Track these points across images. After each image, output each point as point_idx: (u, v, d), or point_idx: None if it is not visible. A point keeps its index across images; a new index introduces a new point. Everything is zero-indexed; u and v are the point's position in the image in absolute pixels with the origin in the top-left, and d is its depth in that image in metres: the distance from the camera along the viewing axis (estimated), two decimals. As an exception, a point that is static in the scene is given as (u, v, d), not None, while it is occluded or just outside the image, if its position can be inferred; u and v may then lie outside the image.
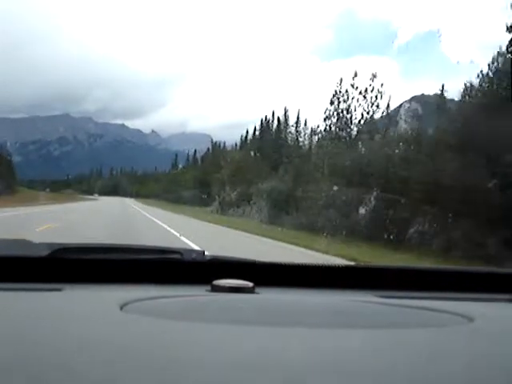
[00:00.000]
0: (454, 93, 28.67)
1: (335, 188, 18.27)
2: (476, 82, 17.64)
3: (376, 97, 23.88)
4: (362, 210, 17.31)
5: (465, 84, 18.59)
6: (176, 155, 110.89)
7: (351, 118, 24.55)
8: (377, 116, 24.14)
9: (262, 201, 27.01)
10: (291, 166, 28.31)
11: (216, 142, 76.66)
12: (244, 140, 58.89)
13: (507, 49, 15.42)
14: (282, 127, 47.24)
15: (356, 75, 24.24)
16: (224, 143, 71.37)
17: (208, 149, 78.90)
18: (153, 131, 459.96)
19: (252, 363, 0.59)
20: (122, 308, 0.85)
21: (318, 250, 11.82)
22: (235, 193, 34.17)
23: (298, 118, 45.79)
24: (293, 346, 0.68)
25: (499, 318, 0.97)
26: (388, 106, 24.46)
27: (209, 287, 1.13)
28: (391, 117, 24.43)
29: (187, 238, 13.81)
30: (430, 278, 1.37)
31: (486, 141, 12.77)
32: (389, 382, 0.56)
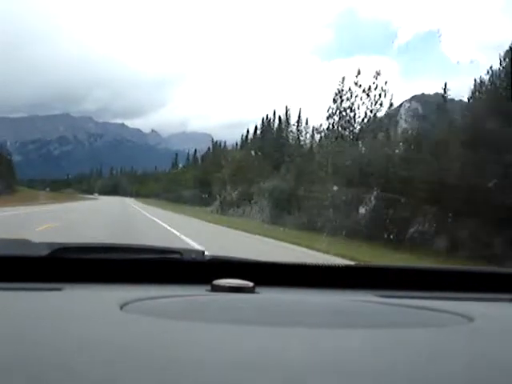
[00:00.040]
0: (454, 93, 28.64)
1: (335, 188, 18.25)
2: (486, 78, 17.66)
3: (380, 95, 23.77)
4: (362, 210, 17.30)
5: (475, 80, 18.54)
6: (176, 155, 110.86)
7: (354, 116, 24.44)
8: (380, 114, 24.05)
9: (263, 200, 26.82)
10: (293, 166, 28.13)
11: (217, 142, 76.62)
12: (245, 139, 58.84)
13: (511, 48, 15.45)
14: (283, 126, 47.15)
15: (359, 73, 24.12)
16: (225, 142, 71.36)
17: (208, 148, 78.81)
18: (153, 131, 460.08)
19: (252, 363, 0.59)
20: (122, 308, 0.85)
21: (319, 250, 11.79)
22: (236, 192, 33.96)
23: (299, 116, 45.74)
24: (293, 345, 0.68)
25: (499, 317, 0.97)
26: (391, 104, 24.40)
27: (209, 287, 1.13)
28: (391, 116, 24.39)
29: (188, 237, 13.82)
30: (430, 278, 1.37)
31: (494, 139, 12.77)
32: (389, 381, 0.56)
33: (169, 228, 18.83)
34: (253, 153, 43.35)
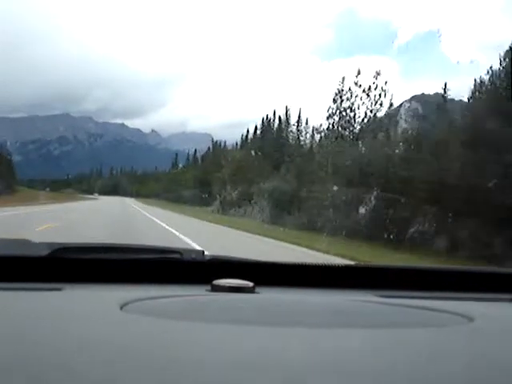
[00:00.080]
0: (454, 93, 28.62)
1: (335, 188, 18.20)
2: (486, 78, 17.64)
3: (380, 95, 23.70)
4: (362, 210, 17.29)
5: (475, 80, 18.51)
6: (176, 155, 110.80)
7: (354, 116, 24.36)
8: (380, 114, 23.96)
9: (263, 200, 26.69)
10: (293, 166, 28.00)
11: (217, 142, 76.54)
12: (245, 139, 58.79)
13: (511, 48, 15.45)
14: (283, 126, 47.08)
15: (359, 73, 24.04)
16: (225, 142, 71.31)
17: (208, 148, 78.70)
18: (153, 131, 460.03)
19: (252, 363, 0.59)
20: (122, 308, 0.85)
21: (319, 250, 11.78)
22: (236, 192, 33.81)
23: (299, 116, 45.67)
24: (293, 345, 0.68)
25: (499, 317, 0.97)
26: (391, 104, 24.33)
27: (209, 287, 1.13)
28: (391, 116, 24.36)
29: (187, 237, 13.82)
30: (430, 278, 1.37)
31: (494, 139, 12.76)
32: (389, 381, 0.56)
33: (169, 228, 18.82)
34: (253, 153, 43.30)
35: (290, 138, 45.30)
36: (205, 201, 42.78)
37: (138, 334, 0.71)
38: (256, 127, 54.87)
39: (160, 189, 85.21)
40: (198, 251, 1.40)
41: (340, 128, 24.64)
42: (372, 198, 16.60)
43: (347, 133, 24.23)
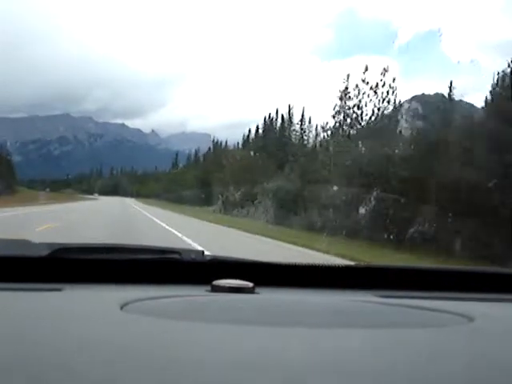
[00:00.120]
0: (454, 92, 28.52)
1: (335, 188, 18.11)
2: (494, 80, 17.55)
3: (387, 92, 23.25)
4: (362, 210, 17.26)
5: (492, 86, 18.32)
6: (176, 155, 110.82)
7: (361, 114, 24.00)
8: (386, 112, 23.50)
9: (267, 200, 26.29)
10: (297, 165, 27.53)
11: (218, 141, 76.46)
12: (246, 139, 58.64)
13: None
14: (286, 125, 46.80)
15: (367, 69, 23.54)
16: (226, 142, 71.30)
17: (209, 148, 78.56)
18: (153, 131, 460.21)
19: (252, 363, 0.59)
20: (122, 308, 0.85)
21: (328, 252, 11.43)
22: (239, 192, 33.46)
23: (302, 115, 45.47)
24: (293, 345, 0.68)
25: (500, 317, 0.97)
26: (399, 102, 23.93)
27: (209, 287, 1.13)
28: (391, 117, 24.23)
29: (189, 238, 13.81)
30: (430, 278, 1.37)
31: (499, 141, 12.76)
32: (389, 381, 0.56)
33: (169, 228, 18.81)
34: (252, 153, 43.13)
35: (293, 137, 45.11)
36: (206, 201, 42.68)
37: (138, 334, 0.71)
38: (258, 126, 54.79)
39: (160, 189, 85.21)
40: (197, 251, 1.39)
41: (345, 126, 24.26)
42: (372, 199, 16.58)
43: (354, 131, 23.72)
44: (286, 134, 45.82)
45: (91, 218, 23.71)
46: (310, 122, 44.27)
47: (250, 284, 1.14)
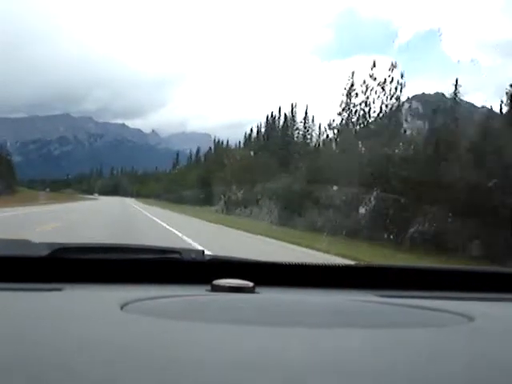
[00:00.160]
0: (459, 90, 28.38)
1: (341, 188, 17.95)
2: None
3: (396, 88, 22.86)
4: (362, 210, 17.22)
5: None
6: (177, 154, 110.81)
7: (369, 111, 23.65)
8: (393, 110, 23.10)
9: (270, 200, 25.92)
10: (301, 164, 27.10)
11: (219, 141, 76.31)
12: (248, 138, 58.42)
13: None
14: (288, 124, 46.48)
15: (375, 65, 23.05)
16: (227, 141, 71.22)
17: (210, 148, 78.43)
18: (153, 131, 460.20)
19: (252, 363, 0.59)
20: (122, 308, 0.85)
21: (337, 254, 11.28)
22: (241, 192, 33.13)
23: (306, 113, 45.20)
24: (293, 346, 0.68)
25: (500, 317, 0.97)
26: (408, 98, 23.57)
27: (209, 287, 1.13)
28: (391, 116, 24.13)
29: (189, 237, 13.80)
30: (430, 278, 1.37)
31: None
32: (389, 381, 0.56)
33: (170, 229, 18.79)
34: (258, 151, 42.80)
35: (296, 135, 44.87)
36: (206, 201, 42.57)
37: (137, 334, 0.71)
38: (260, 125, 54.53)
39: (160, 189, 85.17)
40: (197, 251, 1.39)
41: (352, 124, 23.89)
42: (372, 199, 16.54)
43: (361, 128, 23.26)
44: (289, 132, 45.53)
45: (91, 218, 23.70)
46: (313, 121, 44.09)
47: (250, 284, 1.14)
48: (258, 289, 1.15)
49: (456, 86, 26.00)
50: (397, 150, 17.28)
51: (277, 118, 50.00)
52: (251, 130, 59.48)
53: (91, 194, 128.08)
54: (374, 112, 23.40)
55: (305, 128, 44.52)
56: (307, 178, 22.97)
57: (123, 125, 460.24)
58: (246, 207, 31.28)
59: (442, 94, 29.38)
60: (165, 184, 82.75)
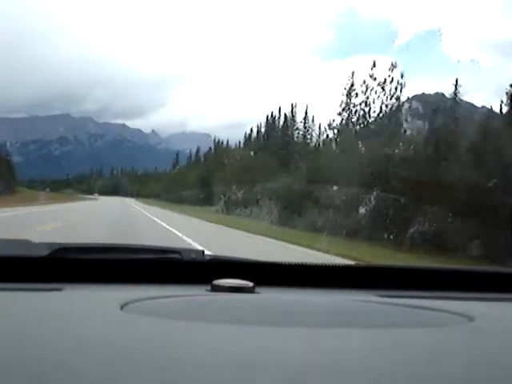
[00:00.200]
0: (460, 90, 28.36)
1: (334, 188, 17.94)
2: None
3: (396, 88, 22.73)
4: (361, 210, 17.20)
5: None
6: (177, 154, 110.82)
7: (369, 111, 23.53)
8: (393, 109, 22.98)
9: (270, 200, 25.75)
10: (302, 164, 26.97)
11: (219, 141, 76.24)
12: (248, 138, 58.33)
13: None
14: (289, 124, 46.39)
15: (375, 65, 22.95)
16: (227, 141, 71.18)
17: (210, 148, 78.36)
18: (153, 131, 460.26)
19: (252, 363, 0.59)
20: (122, 308, 0.85)
21: (338, 254, 11.25)
22: (242, 192, 32.92)
23: (306, 113, 45.15)
24: (293, 345, 0.68)
25: (500, 317, 0.97)
26: (408, 98, 23.45)
27: (209, 287, 1.13)
28: (391, 116, 24.09)
29: (188, 237, 13.80)
30: (430, 278, 1.37)
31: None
32: (389, 381, 0.56)
33: (171, 229, 18.77)
34: (258, 151, 42.70)
35: (296, 135, 44.80)
36: (206, 201, 42.50)
37: (138, 333, 0.71)
38: (260, 125, 54.41)
39: (161, 189, 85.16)
40: (197, 251, 1.39)
41: (352, 124, 23.76)
42: (372, 198, 16.53)
43: (361, 128, 23.11)
44: (289, 132, 45.46)
45: (91, 218, 23.70)
46: (313, 121, 44.05)
47: (250, 284, 1.14)
48: (257, 289, 1.15)
49: (456, 85, 25.96)
50: (397, 150, 17.26)
51: (277, 118, 49.99)
52: (251, 129, 59.45)
53: (91, 194, 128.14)
54: (374, 112, 23.34)
55: (305, 128, 44.50)
56: (307, 178, 22.81)
57: (123, 125, 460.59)
58: (246, 207, 31.04)
59: (442, 94, 29.38)
60: (165, 184, 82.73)
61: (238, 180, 34.19)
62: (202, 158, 79.50)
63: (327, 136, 28.74)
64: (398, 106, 23.37)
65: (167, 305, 0.92)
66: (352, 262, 4.60)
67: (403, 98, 23.63)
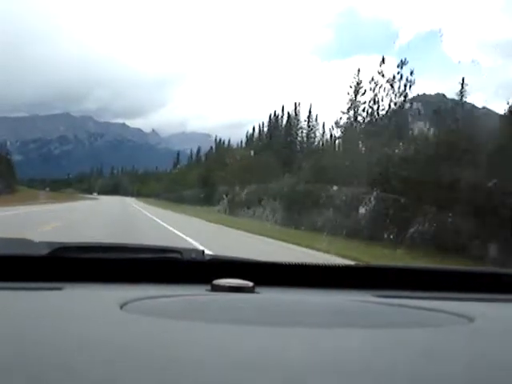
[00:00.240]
0: (454, 93, 28.42)
1: (342, 188, 17.80)
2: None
3: (405, 86, 22.29)
4: (361, 210, 17.18)
5: None
6: (178, 154, 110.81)
7: (378, 108, 23.13)
8: (401, 109, 22.75)
9: (274, 201, 25.45)
10: (305, 163, 26.59)
11: (220, 140, 76.10)
12: (250, 137, 58.07)
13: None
14: (292, 123, 46.11)
15: (384, 61, 22.64)
16: (229, 140, 71.14)
17: (211, 147, 78.22)
18: (153, 130, 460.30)
19: (252, 363, 0.59)
20: (122, 307, 0.85)
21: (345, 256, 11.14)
22: (245, 192, 32.60)
23: (310, 112, 44.92)
24: (293, 345, 0.68)
25: (499, 318, 0.97)
26: (417, 95, 23.21)
27: (209, 287, 1.13)
28: (391, 116, 24.02)
29: (189, 237, 13.79)
30: (429, 278, 1.37)
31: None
32: (389, 381, 0.56)
33: (170, 228, 18.76)
34: (256, 151, 42.54)
35: (299, 134, 44.61)
36: (207, 201, 42.33)
37: (138, 333, 0.71)
38: (263, 124, 54.14)
39: (161, 188, 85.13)
40: (198, 251, 1.39)
41: (358, 122, 23.54)
42: (371, 199, 16.51)
43: (370, 127, 22.85)
44: (292, 132, 45.18)
45: (91, 218, 23.69)
46: (316, 120, 43.84)
47: (250, 283, 1.14)
48: (257, 289, 1.15)
49: (462, 84, 25.83)
50: (397, 150, 17.21)
51: (280, 117, 49.71)
52: (253, 129, 59.23)
53: (91, 193, 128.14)
54: (383, 110, 23.12)
55: (309, 127, 44.24)
56: (311, 178, 22.53)
57: (123, 124, 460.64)
58: (248, 208, 30.67)
59: (443, 95, 29.35)
60: (165, 184, 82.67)
61: (241, 180, 33.99)
62: (203, 158, 79.38)
63: (331, 136, 28.60)
64: (405, 101, 23.10)
65: (167, 304, 0.92)
66: (352, 262, 4.61)
67: (409, 97, 23.45)
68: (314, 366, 0.59)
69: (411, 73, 22.60)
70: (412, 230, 14.65)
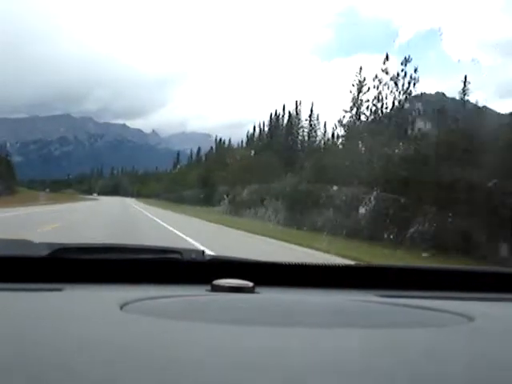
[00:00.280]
0: (455, 92, 28.37)
1: (343, 187, 17.75)
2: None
3: (409, 83, 22.23)
4: (361, 210, 17.16)
5: None
6: (178, 154, 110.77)
7: (382, 106, 22.99)
8: (405, 106, 22.62)
9: (276, 201, 25.28)
10: (307, 163, 26.45)
11: (221, 140, 75.95)
12: (251, 137, 57.85)
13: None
14: (293, 122, 45.88)
15: (388, 58, 22.56)
16: (229, 140, 71.02)
17: (211, 147, 78.07)
18: (153, 131, 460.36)
19: (252, 363, 0.59)
20: (122, 308, 0.85)
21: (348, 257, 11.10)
22: (245, 192, 32.42)
23: (311, 111, 44.70)
24: (293, 345, 0.68)
25: (500, 317, 0.97)
26: (422, 93, 23.11)
27: (209, 287, 1.13)
28: (393, 115, 23.95)
29: (189, 237, 13.79)
30: (430, 278, 1.37)
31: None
32: (389, 381, 0.56)
33: (171, 229, 18.75)
34: (257, 151, 42.33)
35: (301, 134, 44.43)
36: (207, 201, 42.21)
37: (138, 334, 0.71)
38: (263, 124, 53.95)
39: (161, 189, 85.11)
40: (198, 251, 1.39)
41: (361, 120, 23.43)
42: (371, 199, 16.50)
43: (374, 125, 22.72)
44: (294, 131, 44.99)
45: (91, 219, 23.69)
46: (317, 119, 43.64)
47: (250, 284, 1.14)
48: (257, 289, 1.15)
49: (465, 83, 25.77)
50: (397, 150, 17.19)
51: (280, 116, 49.48)
52: (254, 128, 58.92)
53: (91, 194, 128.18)
54: (387, 108, 22.99)
55: (310, 126, 44.03)
56: (312, 178, 22.44)
57: (123, 125, 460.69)
58: (250, 208, 30.52)
59: (443, 94, 29.32)
60: (165, 184, 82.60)
61: (241, 180, 33.83)
62: (203, 158, 79.27)
63: (333, 135, 28.49)
64: (406, 99, 22.99)
65: (167, 305, 0.92)
66: (352, 262, 4.60)
67: (421, 93, 23.30)
68: (314, 366, 0.59)
69: (415, 70, 22.50)
70: (412, 229, 14.65)
